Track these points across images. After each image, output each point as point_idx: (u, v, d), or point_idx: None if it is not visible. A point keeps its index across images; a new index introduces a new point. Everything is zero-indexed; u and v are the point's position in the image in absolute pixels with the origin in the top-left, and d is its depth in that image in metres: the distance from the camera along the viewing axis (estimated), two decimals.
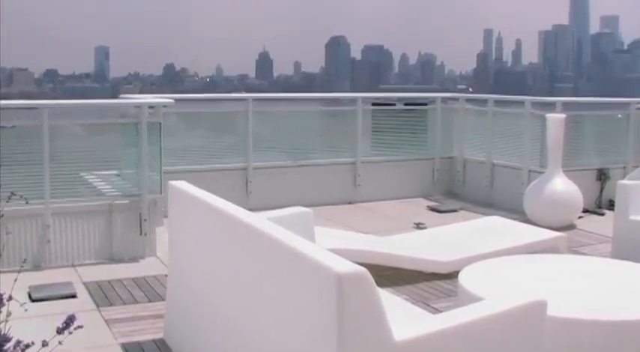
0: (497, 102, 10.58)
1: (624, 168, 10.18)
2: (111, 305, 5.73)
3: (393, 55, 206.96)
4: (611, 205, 8.71)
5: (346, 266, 2.87)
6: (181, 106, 9.61)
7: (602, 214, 9.47)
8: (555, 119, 8.81)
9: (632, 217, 6.78)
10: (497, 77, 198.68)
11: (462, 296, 4.65)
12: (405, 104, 11.55)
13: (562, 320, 4.01)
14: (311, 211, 5.27)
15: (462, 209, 9.74)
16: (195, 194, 4.38)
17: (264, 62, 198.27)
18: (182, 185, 4.63)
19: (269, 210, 5.20)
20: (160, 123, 7.23)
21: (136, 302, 5.81)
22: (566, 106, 9.69)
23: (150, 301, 5.82)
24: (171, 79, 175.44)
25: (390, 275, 6.33)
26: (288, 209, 5.25)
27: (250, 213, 3.82)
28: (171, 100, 7.74)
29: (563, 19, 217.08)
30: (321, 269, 2.91)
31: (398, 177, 10.48)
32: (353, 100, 10.55)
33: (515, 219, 8.29)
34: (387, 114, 11.19)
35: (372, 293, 2.90)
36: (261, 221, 3.60)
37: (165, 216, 5.32)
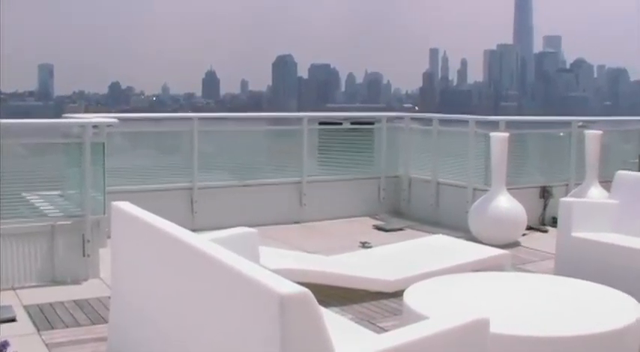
0: (442, 122, 10.68)
1: (567, 185, 10.33)
2: (52, 328, 5.64)
3: (339, 73, 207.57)
4: (554, 222, 8.82)
5: (288, 287, 2.85)
6: (126, 125, 9.53)
7: (546, 231, 9.58)
8: (499, 138, 8.91)
9: (575, 234, 6.87)
10: (443, 96, 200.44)
11: (407, 314, 4.65)
12: (352, 123, 11.59)
13: (505, 338, 4.04)
14: (255, 231, 5.25)
15: (407, 227, 9.78)
16: (137, 215, 4.33)
17: (210, 81, 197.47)
18: (125, 205, 4.58)
19: (214, 231, 5.17)
20: (104, 143, 7.16)
21: (78, 325, 5.72)
22: (509, 125, 9.82)
23: (93, 324, 5.73)
24: (117, 98, 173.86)
25: (335, 295, 6.32)
26: (232, 229, 5.22)
27: (193, 233, 3.79)
28: (115, 120, 7.69)
29: (508, 38, 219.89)
30: (263, 290, 2.89)
31: (344, 196, 10.50)
32: (299, 119, 10.55)
33: (460, 237, 8.36)
34: (334, 133, 11.22)
35: (315, 313, 2.88)
36: (204, 242, 3.57)
37: (109, 237, 5.26)
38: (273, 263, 5.76)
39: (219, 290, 3.29)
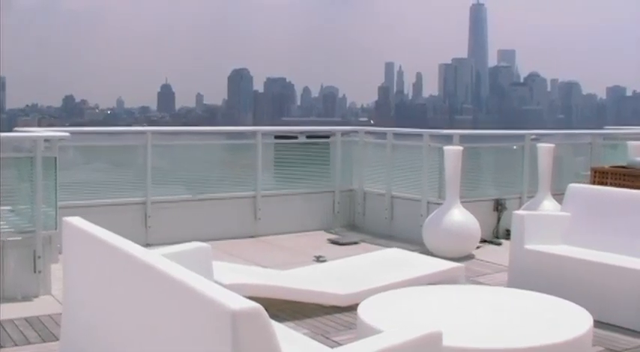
0: (397, 135, 10.72)
1: (520, 198, 10.42)
2: (1, 347, 5.54)
3: (295, 87, 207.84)
4: (507, 235, 8.87)
5: (240, 303, 2.84)
6: (79, 139, 9.46)
7: (500, 244, 9.65)
8: (452, 151, 8.97)
9: (528, 246, 6.93)
10: (398, 109, 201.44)
11: (361, 328, 4.66)
12: (308, 137, 11.59)
13: (458, 350, 4.06)
14: (209, 246, 5.22)
15: (362, 241, 9.79)
16: (89, 230, 4.29)
17: (165, 94, 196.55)
18: (76, 221, 4.53)
19: (167, 246, 5.14)
20: (56, 158, 7.09)
21: (28, 343, 5.63)
22: (464, 138, 9.88)
23: (44, 341, 5.65)
24: (71, 111, 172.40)
25: (290, 309, 6.31)
26: (184, 244, 5.18)
27: (145, 249, 3.76)
28: (68, 134, 7.60)
29: (463, 52, 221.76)
30: (214, 306, 2.87)
31: (299, 210, 10.49)
32: (254, 133, 10.52)
33: (414, 250, 8.39)
34: (290, 147, 11.21)
35: (267, 329, 2.87)
36: (155, 257, 3.54)
37: (61, 253, 5.19)
38: (226, 278, 5.75)
39: (171, 306, 3.26)
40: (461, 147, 9.09)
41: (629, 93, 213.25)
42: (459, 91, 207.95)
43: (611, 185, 9.35)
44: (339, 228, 10.66)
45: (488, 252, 9.18)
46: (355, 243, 9.71)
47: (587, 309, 4.88)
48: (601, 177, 9.73)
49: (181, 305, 3.17)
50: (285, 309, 6.22)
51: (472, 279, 7.67)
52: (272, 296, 6.20)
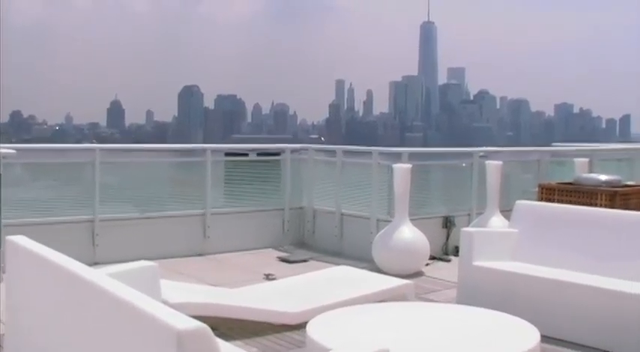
0: (346, 153, 10.74)
1: (469, 215, 10.49)
2: None
3: (246, 104, 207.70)
4: (456, 252, 8.90)
5: (185, 323, 2.81)
6: (26, 156, 9.32)
7: (449, 260, 9.70)
8: (401, 169, 9.01)
9: (476, 263, 6.98)
10: (349, 127, 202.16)
11: (310, 347, 4.65)
12: (258, 154, 11.56)
13: None
14: (156, 265, 5.17)
15: (311, 259, 9.77)
16: (33, 249, 4.22)
17: (115, 110, 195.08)
18: (20, 239, 4.46)
19: (115, 264, 5.08)
20: (0, 175, 6.98)
21: None
22: (413, 156, 9.93)
23: None
24: (18, 127, 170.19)
25: (239, 328, 6.27)
26: (131, 263, 5.13)
27: (90, 268, 3.71)
28: (13, 151, 7.50)
29: (413, 70, 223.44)
30: (160, 326, 2.85)
31: (248, 227, 10.44)
32: (203, 151, 10.46)
33: (364, 267, 8.40)
34: (240, 164, 11.17)
35: (213, 349, 2.85)
36: (101, 277, 3.50)
37: (4, 273, 5.10)
38: (174, 297, 5.70)
39: (117, 326, 3.23)
40: (410, 165, 9.13)
41: (576, 110, 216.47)
42: (409, 109, 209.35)
43: (559, 201, 9.47)
44: (289, 245, 10.63)
45: (438, 269, 9.21)
46: (305, 260, 9.69)
47: (534, 324, 4.91)
48: (548, 193, 9.85)
49: (127, 325, 3.13)
50: (235, 328, 6.18)
51: (421, 296, 7.69)
52: (221, 314, 6.16)
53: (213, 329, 2.86)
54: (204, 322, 2.84)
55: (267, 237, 10.57)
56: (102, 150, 9.66)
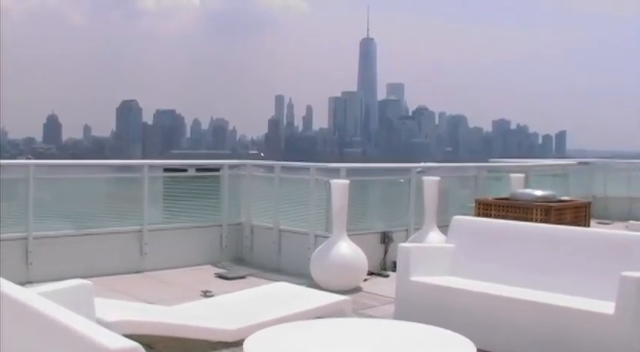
0: (284, 168, 10.74)
1: (407, 230, 10.56)
2: None
3: (185, 119, 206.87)
4: (394, 267, 8.94)
5: (118, 342, 2.77)
6: None
7: (387, 276, 9.73)
8: (339, 185, 9.03)
9: (413, 278, 7.01)
10: (288, 142, 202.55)
11: None
12: (197, 170, 11.50)
13: None
14: (90, 283, 5.09)
15: (250, 275, 9.72)
16: None
17: (52, 125, 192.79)
18: None
19: (48, 283, 4.99)
20: None
21: None
22: (351, 172, 9.96)
23: None
24: None
25: (176, 346, 6.18)
26: (64, 282, 5.04)
27: (21, 287, 3.64)
28: None
29: (352, 86, 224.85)
30: (92, 346, 2.80)
31: (186, 244, 10.36)
32: (140, 167, 10.35)
33: (302, 283, 8.37)
34: (179, 180, 11.11)
35: None
36: (31, 296, 3.43)
37: None
38: (109, 315, 5.60)
39: (48, 348, 3.16)
40: (347, 181, 9.16)
41: (513, 126, 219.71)
42: (348, 124, 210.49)
43: (495, 216, 9.58)
44: (227, 262, 10.57)
45: (376, 285, 9.24)
46: (243, 277, 9.64)
47: (471, 339, 4.93)
48: (485, 208, 9.96)
49: (58, 345, 3.08)
50: (171, 346, 6.10)
51: (360, 312, 7.70)
52: (158, 332, 6.07)
53: (149, 347, 2.83)
54: (141, 340, 2.81)
55: (205, 253, 10.49)
56: (37, 166, 9.51)
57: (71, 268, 8.11)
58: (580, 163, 17.77)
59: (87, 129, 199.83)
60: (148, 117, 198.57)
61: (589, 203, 10.73)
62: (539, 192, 10.05)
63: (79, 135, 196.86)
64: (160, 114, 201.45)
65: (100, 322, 4.69)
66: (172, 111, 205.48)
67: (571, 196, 12.03)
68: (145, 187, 10.07)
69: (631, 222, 13.16)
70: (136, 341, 2.86)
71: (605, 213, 16.26)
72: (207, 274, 9.84)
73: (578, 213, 10.06)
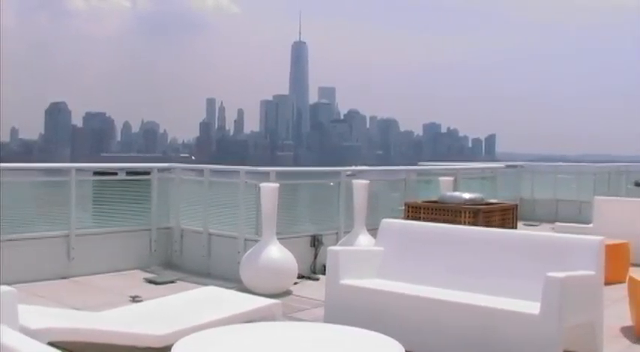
0: (214, 172, 10.67)
1: (337, 233, 10.59)
2: None
3: (115, 122, 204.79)
4: (325, 270, 8.96)
5: (39, 350, 2.72)
6: None
7: (317, 279, 9.74)
8: (269, 188, 9.02)
9: (343, 281, 7.02)
10: (219, 145, 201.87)
11: None
12: (128, 173, 11.35)
13: None
14: (13, 290, 4.97)
15: (179, 280, 9.63)
16: None
17: None
18: None
19: None
20: None
21: None
22: (281, 175, 9.95)
23: None
24: None
25: None
26: None
27: None
28: None
29: (284, 89, 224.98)
30: None
31: (115, 248, 10.21)
32: (68, 170, 10.16)
33: (232, 287, 8.33)
34: (109, 184, 10.96)
35: None
36: None
37: None
38: (34, 322, 5.50)
39: None
40: (277, 184, 9.15)
41: (444, 130, 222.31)
42: (280, 128, 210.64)
43: (424, 219, 9.67)
44: (156, 266, 10.45)
45: (306, 288, 9.24)
46: (172, 281, 9.55)
47: (400, 341, 4.96)
48: (414, 211, 10.04)
49: None
50: None
51: (290, 316, 7.69)
52: (84, 339, 5.98)
53: None
54: (67, 348, 2.76)
55: (134, 258, 10.36)
56: None
57: None
58: (508, 166, 18.05)
59: (14, 131, 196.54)
60: (77, 120, 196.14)
61: (516, 205, 10.89)
62: (467, 195, 10.18)
63: (5, 137, 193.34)
64: (89, 116, 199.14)
65: (24, 330, 4.60)
66: (102, 114, 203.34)
67: (499, 199, 12.20)
68: (72, 191, 9.90)
69: (557, 223, 13.39)
70: (61, 348, 2.81)
71: (533, 215, 16.55)
72: (136, 279, 9.73)
73: (505, 216, 10.20)
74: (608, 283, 6.73)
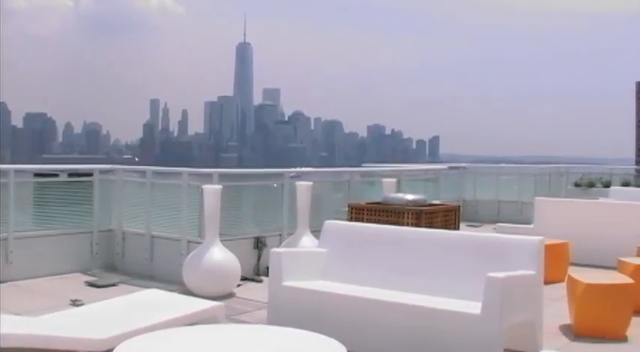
0: (157, 174, 10.60)
1: (280, 235, 10.59)
2: None
3: (57, 123, 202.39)
4: (268, 272, 8.96)
5: None
6: None
7: (260, 281, 9.71)
8: (211, 190, 8.98)
9: (285, 283, 7.02)
10: (163, 147, 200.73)
11: None
12: (70, 175, 11.18)
13: None
14: None
15: (121, 283, 9.53)
16: None
17: None
18: None
19: None
20: None
21: None
22: (225, 177, 9.92)
23: None
24: None
25: None
26: None
27: None
28: None
29: (229, 90, 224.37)
30: None
31: (55, 251, 10.05)
32: (6, 172, 9.97)
33: (175, 290, 8.28)
34: (50, 185, 10.78)
35: None
36: None
37: None
38: None
39: None
40: (220, 186, 9.11)
41: (388, 131, 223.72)
42: (224, 129, 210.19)
43: (368, 220, 9.71)
44: (98, 269, 10.32)
45: (249, 290, 9.22)
46: (114, 284, 9.45)
47: (344, 343, 4.96)
48: (357, 213, 10.07)
49: None
50: None
51: (233, 318, 7.66)
52: (22, 345, 5.89)
53: None
54: None
55: (74, 261, 10.22)
56: None
57: None
58: (451, 168, 18.22)
59: None
60: (17, 121, 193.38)
61: (459, 206, 10.98)
62: (410, 197, 10.23)
63: None
64: (30, 117, 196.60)
65: None
66: (43, 115, 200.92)
67: (442, 200, 12.31)
68: (10, 193, 9.72)
69: (499, 224, 13.55)
70: None
71: (475, 216, 16.72)
72: (76, 282, 9.60)
73: (448, 217, 10.28)
74: (548, 282, 6.84)
